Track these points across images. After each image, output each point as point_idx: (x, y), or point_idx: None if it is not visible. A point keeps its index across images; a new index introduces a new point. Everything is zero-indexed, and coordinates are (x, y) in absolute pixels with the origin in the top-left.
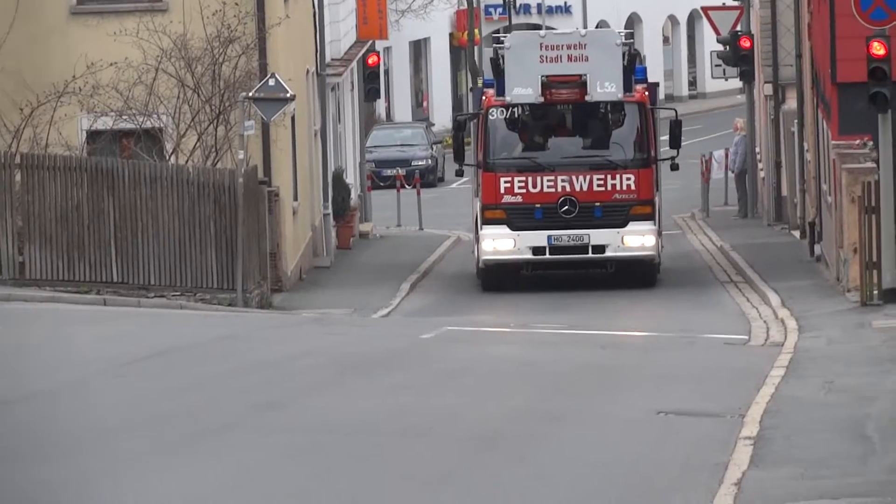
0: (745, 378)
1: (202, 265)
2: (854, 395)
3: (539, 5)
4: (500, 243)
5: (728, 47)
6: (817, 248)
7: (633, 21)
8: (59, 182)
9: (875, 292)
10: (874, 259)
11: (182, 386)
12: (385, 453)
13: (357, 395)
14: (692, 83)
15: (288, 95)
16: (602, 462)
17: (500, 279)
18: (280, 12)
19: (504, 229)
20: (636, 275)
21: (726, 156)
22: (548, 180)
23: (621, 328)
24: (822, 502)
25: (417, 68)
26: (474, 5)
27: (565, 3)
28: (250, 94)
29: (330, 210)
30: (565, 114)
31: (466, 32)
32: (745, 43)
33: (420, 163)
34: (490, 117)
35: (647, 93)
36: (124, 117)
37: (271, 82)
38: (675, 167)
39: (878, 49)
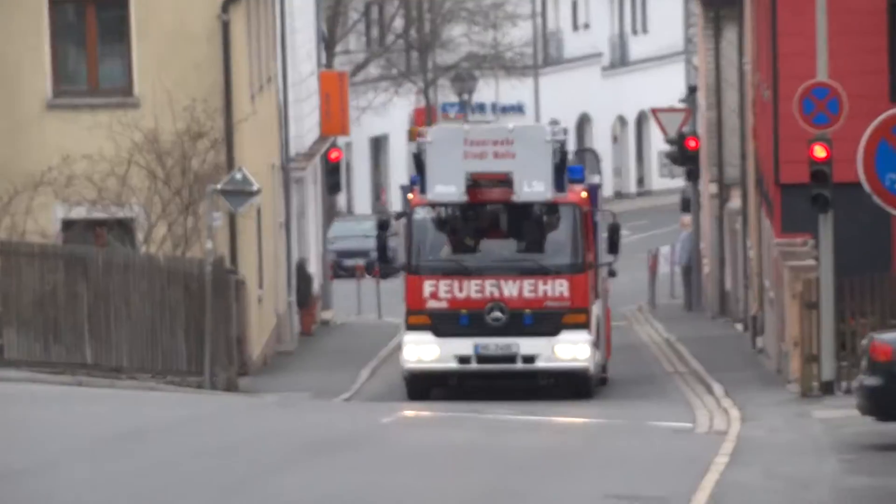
0: (690, 464)
1: (172, 349)
2: (793, 482)
3: (493, 104)
4: (424, 351)
5: (675, 147)
6: (759, 341)
7: (583, 121)
8: (35, 268)
9: (815, 384)
10: (814, 352)
11: (149, 466)
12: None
13: (319, 477)
14: (640, 181)
15: (255, 189)
16: None
17: (425, 388)
18: (247, 108)
19: (428, 336)
20: (570, 387)
21: (672, 251)
22: (475, 285)
23: (573, 415)
24: None
25: (377, 163)
26: (431, 104)
27: (518, 102)
28: (218, 186)
29: (293, 298)
30: (495, 214)
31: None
32: (692, 143)
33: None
34: (415, 217)
35: (584, 194)
36: (98, 207)
37: (238, 176)
38: (612, 273)
39: (819, 152)
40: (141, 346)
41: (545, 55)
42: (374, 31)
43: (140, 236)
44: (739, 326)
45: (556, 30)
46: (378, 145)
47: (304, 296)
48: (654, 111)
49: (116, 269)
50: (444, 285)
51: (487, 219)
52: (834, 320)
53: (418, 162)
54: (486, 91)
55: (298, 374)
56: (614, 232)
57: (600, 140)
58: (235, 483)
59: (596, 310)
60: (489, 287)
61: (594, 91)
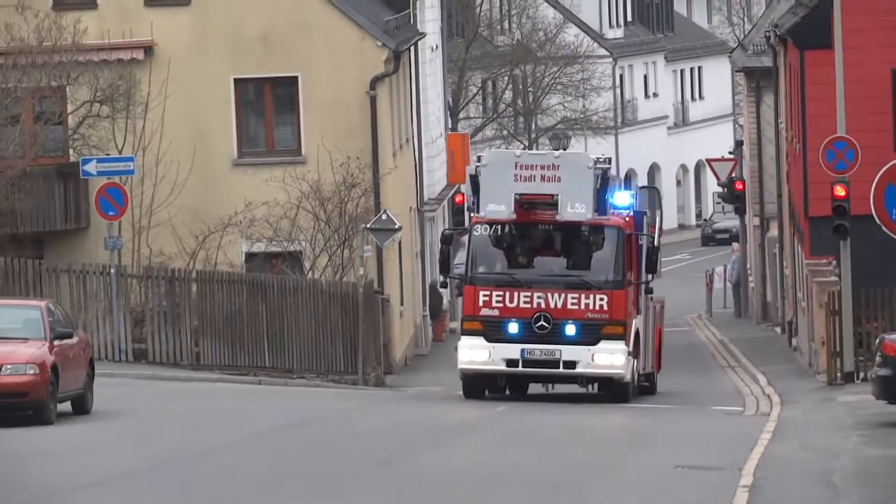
0: (741, 440)
1: (332, 354)
2: (824, 454)
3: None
4: (476, 354)
5: (726, 189)
6: (794, 341)
7: (653, 169)
8: (224, 292)
9: (838, 375)
10: (837, 349)
11: (318, 446)
12: (472, 499)
13: (454, 454)
14: (698, 215)
15: (397, 227)
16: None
17: (479, 388)
18: (390, 164)
19: (480, 340)
20: (608, 392)
21: (725, 270)
22: (524, 296)
23: (647, 402)
24: None
25: None
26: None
27: (603, 154)
28: (368, 225)
29: (427, 312)
30: (545, 233)
31: None
32: (739, 186)
33: None
34: (474, 233)
35: (628, 219)
36: (273, 243)
37: (384, 216)
38: (649, 291)
39: (839, 192)
40: (308, 352)
41: (623, 118)
42: (490, 101)
43: (306, 265)
44: (778, 329)
45: (631, 98)
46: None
47: (436, 310)
48: (709, 161)
49: (288, 291)
50: (496, 295)
51: (538, 237)
52: (853, 324)
53: (474, 183)
54: (577, 147)
55: (432, 373)
56: (652, 253)
57: (667, 184)
58: (385, 459)
59: (638, 324)
60: (536, 299)
61: (661, 145)
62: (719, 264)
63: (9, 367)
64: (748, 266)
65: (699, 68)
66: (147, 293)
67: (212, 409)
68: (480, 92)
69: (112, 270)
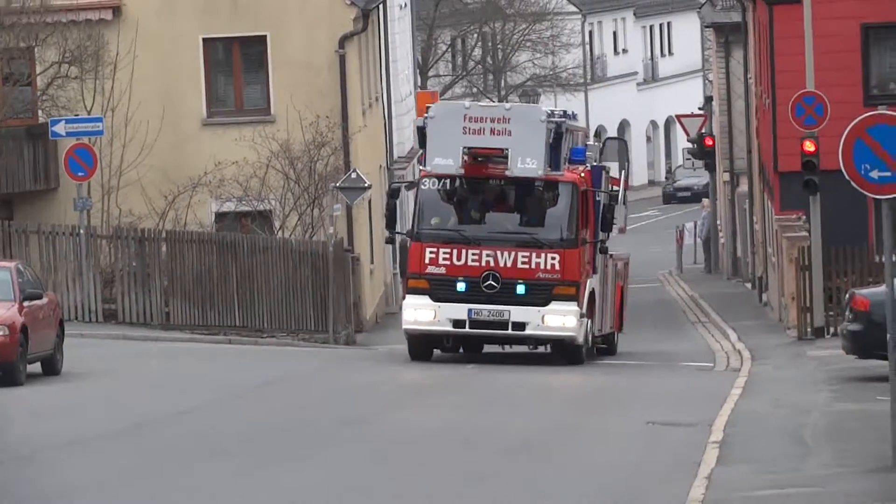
0: (711, 396)
1: (302, 313)
2: (794, 409)
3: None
4: (421, 314)
5: (695, 145)
6: (764, 296)
7: (623, 125)
8: (194, 251)
9: (808, 329)
10: (808, 305)
11: (290, 406)
12: (442, 457)
13: (419, 413)
14: (668, 171)
15: (366, 185)
16: (608, 461)
17: (424, 349)
18: (360, 122)
19: (426, 299)
20: (561, 354)
21: (695, 226)
22: (472, 254)
23: (617, 358)
24: (773, 492)
25: None
26: None
27: (573, 111)
28: (338, 184)
29: (397, 270)
30: (496, 189)
31: None
32: (709, 142)
33: None
34: (421, 187)
35: (584, 175)
36: (243, 202)
37: (353, 175)
38: (603, 250)
39: (809, 147)
40: (278, 311)
41: (592, 75)
42: (459, 59)
43: (276, 225)
44: (748, 285)
45: (600, 54)
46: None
47: (405, 268)
48: (679, 117)
49: (258, 250)
50: (443, 252)
51: (488, 193)
52: (823, 279)
53: (421, 135)
54: (547, 104)
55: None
56: (608, 211)
57: (637, 140)
58: (355, 418)
59: (593, 284)
60: (485, 257)
61: (631, 102)
62: (689, 220)
63: None
64: (718, 222)
65: (668, 24)
66: (117, 254)
67: (182, 370)
68: (450, 49)
69: (81, 231)
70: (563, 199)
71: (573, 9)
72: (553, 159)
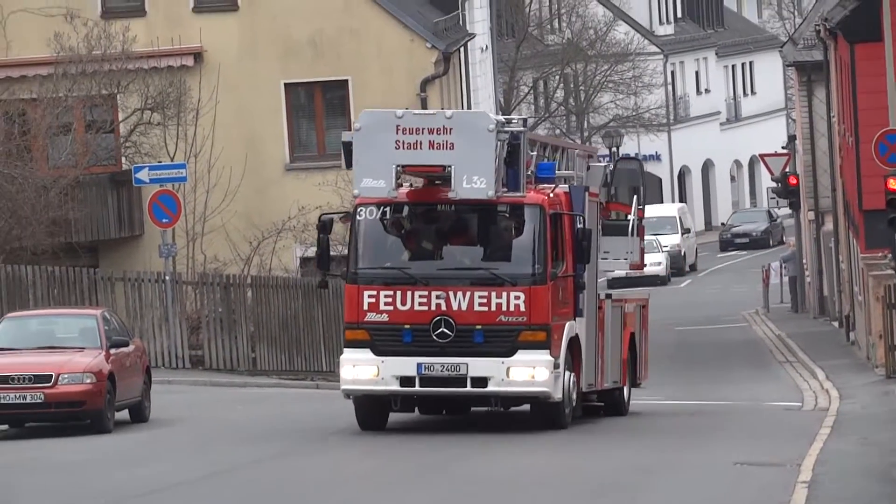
0: (800, 435)
1: None
2: (883, 448)
3: (636, 154)
4: (361, 371)
5: (780, 184)
6: (852, 335)
7: (707, 165)
8: (280, 297)
9: None
10: (895, 343)
11: (372, 451)
12: (527, 499)
13: (492, 457)
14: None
15: None
16: (696, 500)
17: (376, 413)
18: None
19: (367, 353)
20: (537, 414)
21: (781, 266)
22: (420, 296)
23: (704, 398)
24: None
25: None
26: None
27: (656, 152)
28: None
29: None
30: (447, 217)
31: None
32: (793, 181)
33: None
34: (357, 218)
35: (555, 195)
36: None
37: None
38: (580, 287)
39: (893, 185)
40: None
41: (675, 115)
42: (541, 100)
43: None
44: (836, 324)
45: (683, 94)
46: (630, 199)
47: None
48: (762, 156)
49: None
50: (385, 296)
51: (437, 221)
52: None
53: (347, 152)
54: (629, 144)
55: None
56: (583, 238)
57: (721, 180)
58: (435, 465)
59: (576, 329)
60: (435, 299)
61: (714, 141)
62: (775, 259)
63: (66, 376)
64: (804, 261)
65: (750, 63)
66: (202, 300)
67: (272, 414)
68: (532, 91)
69: (167, 278)
70: (527, 226)
71: (655, 49)
72: (510, 178)
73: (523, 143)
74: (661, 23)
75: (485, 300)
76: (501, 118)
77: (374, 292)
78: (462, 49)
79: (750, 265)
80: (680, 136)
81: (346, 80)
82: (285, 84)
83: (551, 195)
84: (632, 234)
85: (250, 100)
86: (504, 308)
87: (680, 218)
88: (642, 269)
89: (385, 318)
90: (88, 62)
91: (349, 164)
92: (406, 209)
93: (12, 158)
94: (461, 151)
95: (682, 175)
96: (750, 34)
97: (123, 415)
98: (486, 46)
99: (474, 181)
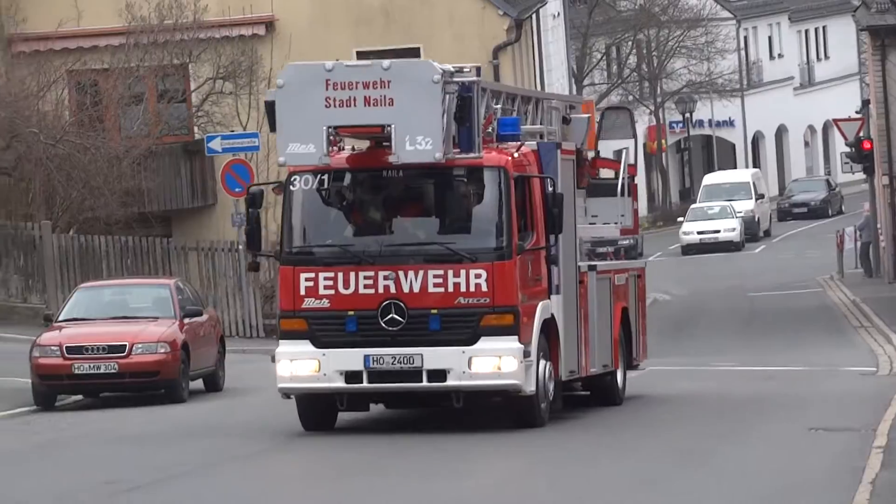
0: (875, 401)
1: None
2: None
3: (710, 121)
4: (300, 366)
5: (854, 149)
6: None
7: (781, 131)
8: None
9: None
10: None
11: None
12: (615, 459)
13: (582, 423)
14: (828, 172)
15: None
16: (770, 466)
17: (321, 413)
18: None
19: (306, 346)
20: (508, 409)
21: (855, 231)
22: (365, 277)
23: (779, 364)
24: None
25: None
26: (660, 122)
27: (730, 118)
28: None
29: None
30: (393, 184)
31: (656, 142)
32: (867, 146)
33: (623, 242)
34: (290, 188)
35: (521, 155)
36: None
37: None
38: (552, 260)
39: None
40: None
41: (748, 80)
42: (614, 67)
43: None
44: None
45: (756, 60)
46: (618, 154)
47: None
48: (836, 121)
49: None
50: (324, 279)
51: (382, 190)
52: None
53: (270, 113)
54: (703, 111)
55: None
56: (554, 204)
57: (795, 145)
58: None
59: (551, 309)
60: (383, 280)
61: (788, 107)
62: (849, 225)
63: (140, 346)
64: (878, 226)
65: (824, 28)
66: (275, 269)
67: None
68: (604, 58)
69: (240, 247)
70: (487, 192)
71: (728, 14)
72: (462, 136)
73: (476, 96)
74: None
75: (440, 280)
76: (450, 67)
77: (312, 275)
78: (534, 16)
79: (823, 230)
80: (753, 102)
81: (418, 49)
82: (357, 52)
83: (516, 155)
84: (622, 195)
85: None
86: (463, 289)
87: (754, 183)
88: (636, 232)
89: (326, 304)
90: (160, 32)
91: (273, 128)
92: (348, 177)
93: (85, 129)
94: (402, 108)
95: (756, 141)
96: None
97: (198, 384)
98: (559, 13)
99: (418, 142)
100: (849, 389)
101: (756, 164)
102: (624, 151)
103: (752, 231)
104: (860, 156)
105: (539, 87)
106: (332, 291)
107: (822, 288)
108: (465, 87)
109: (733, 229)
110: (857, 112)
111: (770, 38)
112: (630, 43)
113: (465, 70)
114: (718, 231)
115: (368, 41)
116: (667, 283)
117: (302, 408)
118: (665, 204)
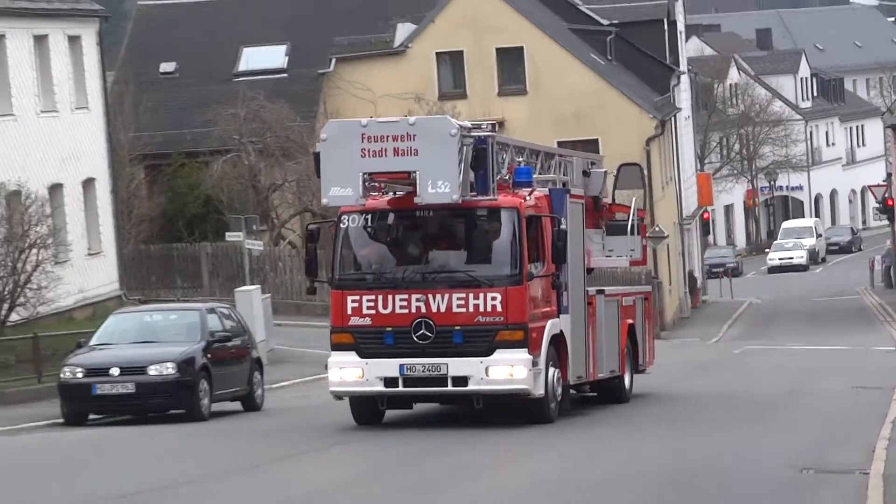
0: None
1: None
2: None
3: (786, 186)
4: (347, 373)
5: (881, 204)
6: None
7: (833, 193)
8: None
9: None
10: None
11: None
12: (711, 409)
13: (703, 383)
14: (863, 222)
15: (665, 235)
16: (823, 411)
17: (372, 411)
18: (660, 194)
19: (352, 356)
20: (521, 412)
21: (882, 258)
22: (401, 300)
23: (831, 345)
24: None
25: (726, 217)
26: (755, 187)
27: (800, 184)
28: (647, 235)
29: (686, 290)
30: (426, 222)
31: (752, 200)
32: (889, 202)
33: (731, 264)
34: (341, 225)
35: (535, 198)
36: None
37: (657, 228)
38: (557, 286)
39: None
40: None
41: (812, 160)
42: (724, 151)
43: None
44: None
45: (817, 146)
46: (727, 210)
47: (693, 288)
48: (870, 187)
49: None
50: (367, 300)
51: (417, 227)
52: None
53: (317, 162)
54: (782, 179)
55: (691, 329)
56: (559, 238)
57: (843, 203)
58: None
59: (560, 326)
60: (415, 302)
61: (838, 177)
62: (876, 254)
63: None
64: None
65: (862, 125)
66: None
67: None
68: (718, 145)
69: None
70: (503, 229)
71: (799, 117)
72: (479, 181)
73: (491, 148)
74: (802, 100)
75: (463, 302)
76: (467, 123)
77: (357, 297)
78: (672, 118)
79: (860, 257)
80: (815, 174)
81: (597, 139)
82: (558, 142)
83: (528, 198)
84: (631, 233)
85: None
86: (482, 309)
87: (815, 227)
88: (644, 264)
89: (368, 321)
90: None
91: (318, 174)
92: (387, 216)
93: None
94: (425, 157)
95: (817, 199)
96: (862, 106)
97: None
98: (688, 116)
99: (438, 185)
100: (878, 362)
101: (817, 215)
102: (634, 199)
103: (814, 258)
104: (885, 209)
105: (676, 164)
106: (374, 311)
107: (860, 295)
108: (480, 139)
109: (801, 257)
110: (883, 180)
111: (826, 132)
112: (735, 135)
113: (482, 126)
114: (792, 258)
115: (564, 134)
116: (758, 291)
117: (354, 407)
118: (757, 240)
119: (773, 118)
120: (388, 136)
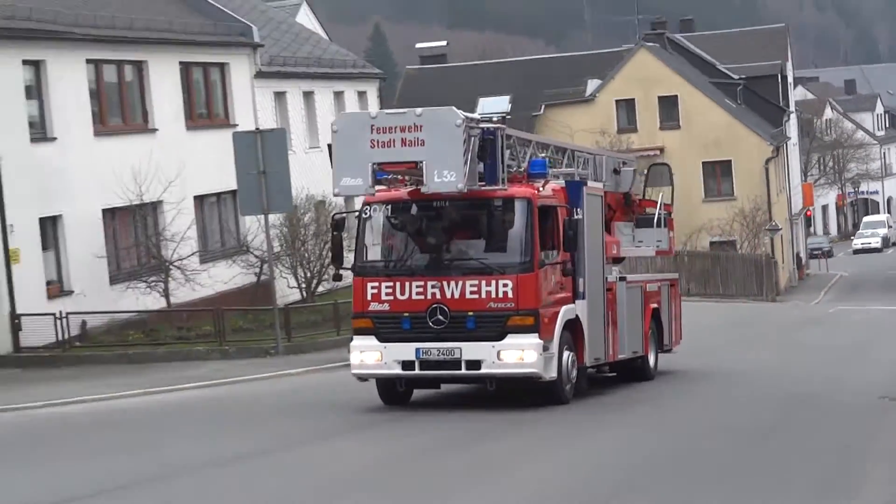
0: None
1: (752, 285)
2: None
3: (866, 191)
4: (367, 356)
5: None
6: None
7: None
8: (705, 261)
9: None
10: None
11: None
12: (814, 352)
13: (821, 334)
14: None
15: (779, 228)
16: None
17: (396, 391)
18: (775, 199)
19: (372, 340)
20: (539, 394)
21: None
22: (417, 286)
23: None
24: None
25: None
26: (844, 192)
27: (876, 190)
28: (767, 227)
29: (794, 265)
30: (439, 211)
31: (842, 202)
32: None
33: (825, 247)
34: (363, 216)
35: (551, 190)
36: (721, 237)
37: (773, 223)
38: (566, 272)
39: None
40: (738, 285)
41: (885, 172)
42: (821, 166)
43: (738, 246)
44: None
45: (888, 163)
46: (824, 209)
47: (799, 265)
48: None
49: (723, 259)
50: (385, 287)
51: (432, 216)
52: None
53: (329, 154)
54: (864, 186)
55: (799, 294)
56: (569, 227)
57: None
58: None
59: (575, 311)
60: (430, 289)
61: None
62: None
63: None
64: None
65: None
66: None
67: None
68: (817, 163)
69: None
70: (516, 218)
71: (874, 142)
72: (488, 172)
73: (500, 140)
74: (878, 129)
75: (476, 288)
76: (475, 115)
77: (377, 284)
78: (784, 144)
79: None
80: (887, 183)
81: (730, 161)
82: (703, 162)
83: (541, 189)
84: (658, 226)
85: (684, 174)
86: (494, 295)
87: (887, 221)
88: (671, 254)
89: (386, 307)
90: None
91: (332, 165)
92: (406, 207)
93: None
94: (431, 147)
95: (889, 200)
96: None
97: None
98: (796, 143)
99: (444, 175)
100: None
101: (888, 212)
102: (661, 194)
103: (886, 243)
104: None
105: (787, 177)
106: (392, 297)
107: None
108: (487, 131)
109: (878, 242)
110: None
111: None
112: (829, 156)
113: (493, 119)
114: (871, 243)
115: (707, 157)
116: (847, 267)
117: (380, 388)
118: (846, 230)
119: (856, 143)
120: (396, 128)
